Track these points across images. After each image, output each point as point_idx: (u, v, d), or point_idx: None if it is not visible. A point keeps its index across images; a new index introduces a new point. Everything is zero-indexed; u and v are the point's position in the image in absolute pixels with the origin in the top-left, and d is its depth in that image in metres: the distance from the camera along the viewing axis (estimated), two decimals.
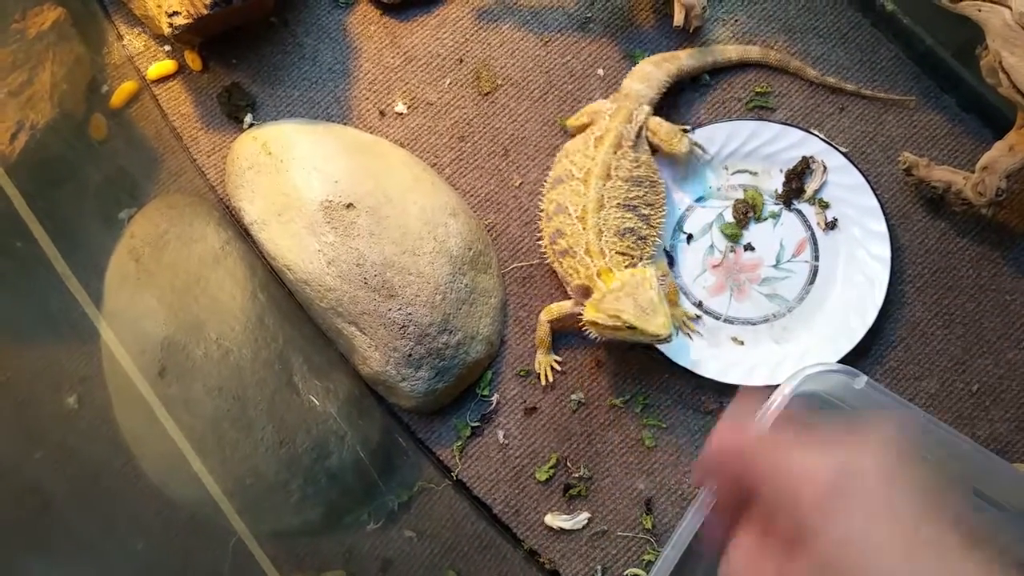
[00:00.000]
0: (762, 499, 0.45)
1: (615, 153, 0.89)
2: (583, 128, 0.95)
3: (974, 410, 0.91)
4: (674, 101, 0.98)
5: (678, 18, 0.94)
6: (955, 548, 0.40)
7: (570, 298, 0.89)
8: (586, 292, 0.85)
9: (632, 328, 0.79)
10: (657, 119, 0.93)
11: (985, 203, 0.86)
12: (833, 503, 0.41)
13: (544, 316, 0.90)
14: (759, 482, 0.44)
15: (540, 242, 0.92)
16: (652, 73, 0.94)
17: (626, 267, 0.85)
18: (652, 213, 0.89)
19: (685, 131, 0.94)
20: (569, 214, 0.87)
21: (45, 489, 0.89)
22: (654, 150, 0.94)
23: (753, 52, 0.97)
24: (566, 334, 0.94)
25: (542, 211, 0.92)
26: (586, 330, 0.86)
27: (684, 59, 0.96)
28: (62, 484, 0.90)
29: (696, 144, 0.95)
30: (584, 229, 0.86)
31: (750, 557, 0.45)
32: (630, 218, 0.88)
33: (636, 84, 0.93)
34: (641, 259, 0.88)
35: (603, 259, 0.85)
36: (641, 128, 0.91)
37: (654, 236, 0.89)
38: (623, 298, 0.80)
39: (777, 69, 0.98)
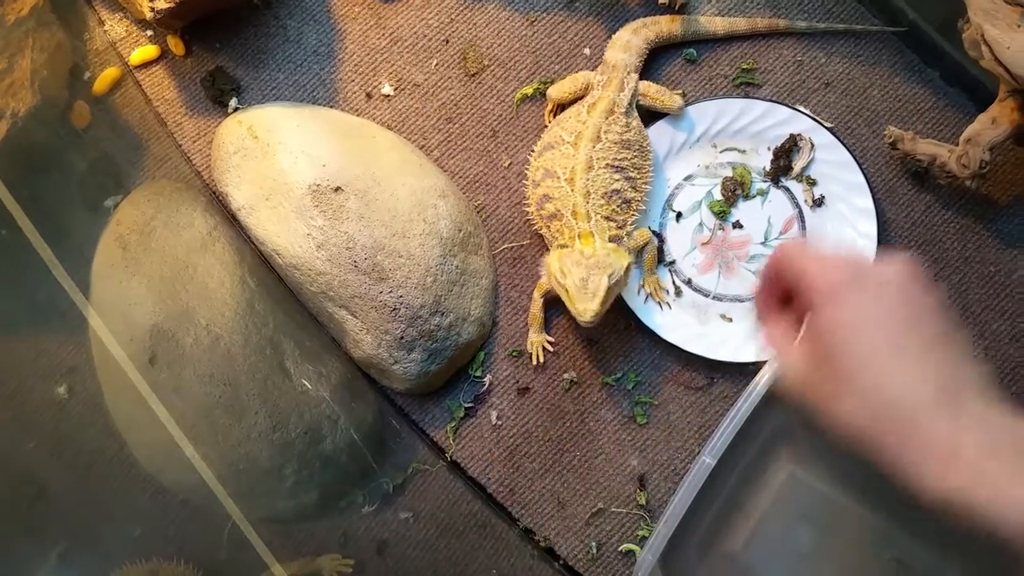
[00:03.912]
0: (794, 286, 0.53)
1: (607, 119, 0.89)
2: (568, 100, 0.95)
3: None
4: (661, 76, 0.98)
5: None
6: (938, 379, 0.46)
7: None
8: None
9: (567, 294, 0.82)
10: (646, 82, 0.94)
11: (969, 175, 0.87)
12: (842, 292, 0.49)
13: (537, 292, 0.91)
14: (795, 271, 0.52)
15: (527, 209, 0.92)
16: (632, 41, 0.94)
17: (611, 237, 0.86)
18: (639, 176, 0.90)
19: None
20: (558, 177, 0.88)
21: (39, 479, 0.89)
22: (649, 111, 0.95)
23: (740, 24, 0.97)
24: (557, 314, 0.95)
25: (528, 179, 0.92)
26: (542, 269, 0.88)
27: (664, 24, 0.96)
28: (56, 473, 0.90)
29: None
30: (572, 191, 0.87)
31: (775, 322, 0.55)
32: (617, 180, 0.88)
33: (619, 54, 0.93)
34: (625, 224, 0.89)
35: (588, 223, 0.85)
36: (633, 94, 0.92)
37: (639, 200, 0.90)
38: (582, 267, 0.81)
39: (768, 34, 0.98)
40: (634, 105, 0.92)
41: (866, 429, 0.47)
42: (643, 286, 0.93)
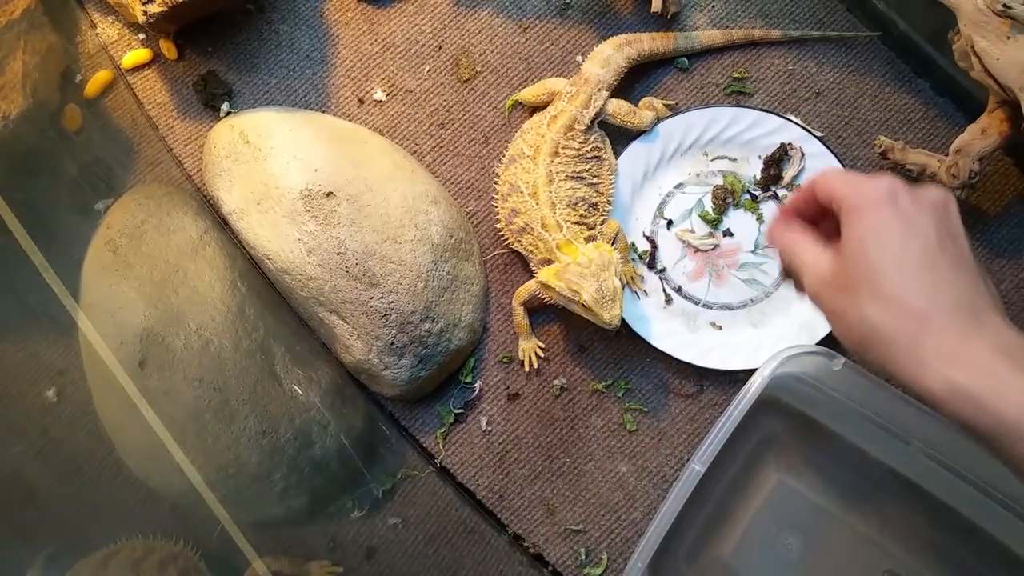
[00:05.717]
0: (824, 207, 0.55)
1: (565, 134, 0.89)
2: (538, 104, 0.95)
3: None
4: (654, 85, 0.99)
5: (655, 4, 0.94)
6: (961, 294, 0.49)
7: (534, 276, 0.90)
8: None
9: (586, 308, 0.82)
10: (616, 101, 0.93)
11: (959, 186, 0.87)
12: (876, 206, 0.51)
13: (515, 301, 0.91)
14: (827, 191, 0.55)
15: (497, 225, 0.92)
16: (612, 57, 0.94)
17: (586, 238, 0.87)
18: (600, 182, 0.91)
19: (668, 106, 0.97)
20: (521, 192, 0.88)
21: (27, 482, 0.89)
22: (620, 129, 0.95)
23: (735, 35, 0.97)
24: (547, 320, 0.95)
25: (497, 193, 0.93)
26: (539, 294, 0.87)
27: (646, 43, 0.95)
28: (44, 476, 0.90)
29: (662, 106, 0.96)
30: (537, 204, 0.87)
31: (803, 231, 0.57)
32: (580, 188, 0.89)
33: (596, 68, 0.93)
34: (595, 225, 0.89)
35: (561, 232, 0.86)
36: (597, 113, 0.92)
37: (604, 202, 0.91)
38: (588, 277, 0.81)
39: (758, 44, 0.98)
40: (596, 123, 0.92)
41: (880, 329, 0.49)
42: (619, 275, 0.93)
